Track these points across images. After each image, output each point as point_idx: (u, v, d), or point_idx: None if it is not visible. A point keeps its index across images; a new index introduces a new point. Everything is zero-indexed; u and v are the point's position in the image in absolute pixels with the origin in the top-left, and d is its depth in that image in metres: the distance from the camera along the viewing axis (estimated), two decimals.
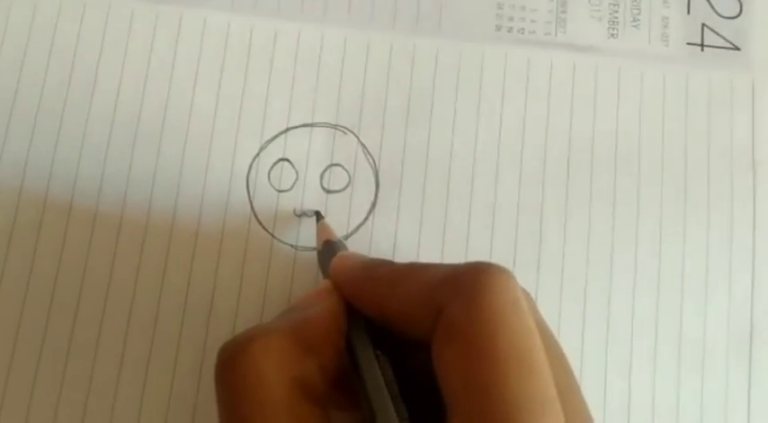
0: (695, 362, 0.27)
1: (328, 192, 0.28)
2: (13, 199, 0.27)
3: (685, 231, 0.29)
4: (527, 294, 0.20)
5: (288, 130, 0.28)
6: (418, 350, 0.19)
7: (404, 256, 0.27)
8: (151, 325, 0.26)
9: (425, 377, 0.19)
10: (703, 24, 0.30)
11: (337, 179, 0.28)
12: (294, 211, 0.27)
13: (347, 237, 0.27)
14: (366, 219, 0.27)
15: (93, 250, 0.27)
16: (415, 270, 0.20)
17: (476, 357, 0.17)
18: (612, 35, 0.30)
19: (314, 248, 0.27)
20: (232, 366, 0.19)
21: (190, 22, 0.29)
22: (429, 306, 0.19)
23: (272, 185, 0.27)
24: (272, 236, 0.27)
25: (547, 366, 0.18)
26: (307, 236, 0.27)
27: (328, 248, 0.25)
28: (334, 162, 0.28)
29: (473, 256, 0.27)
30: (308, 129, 0.28)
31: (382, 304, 0.20)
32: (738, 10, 0.31)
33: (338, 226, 0.27)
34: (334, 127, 0.28)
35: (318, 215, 0.27)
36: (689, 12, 0.30)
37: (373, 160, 0.28)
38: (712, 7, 0.31)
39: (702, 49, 0.30)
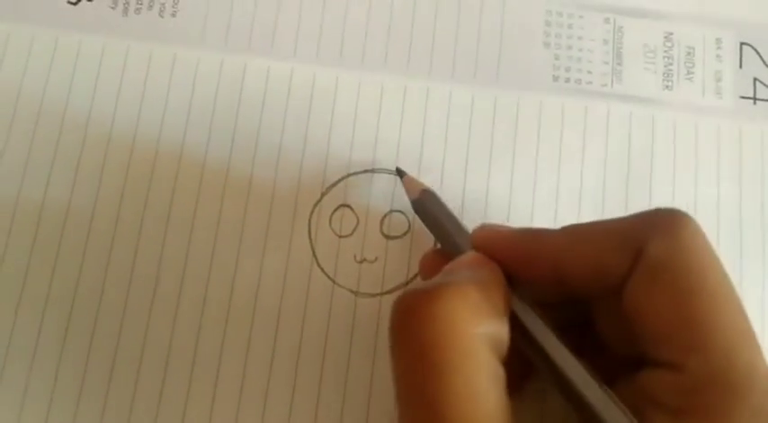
0: None
1: (388, 237, 0.28)
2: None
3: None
4: None
5: (349, 175, 0.28)
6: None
7: None
8: (215, 369, 0.26)
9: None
10: (755, 79, 0.31)
11: (397, 225, 0.28)
12: (355, 256, 0.28)
13: (407, 282, 0.27)
14: None
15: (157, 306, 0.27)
16: (596, 224, 0.21)
17: (688, 292, 0.18)
18: (667, 87, 0.30)
19: (375, 294, 0.27)
20: (421, 314, 0.18)
21: (254, 71, 0.29)
22: (624, 249, 0.19)
23: (333, 231, 0.28)
24: (333, 281, 0.27)
25: (741, 301, 0.19)
26: (367, 282, 0.27)
27: (425, 199, 0.25)
28: (394, 208, 0.28)
29: None
30: (368, 175, 0.29)
31: (561, 263, 0.20)
32: None
33: (398, 271, 0.27)
34: (395, 173, 0.29)
35: (400, 172, 0.28)
36: (741, 66, 0.31)
37: None
38: (764, 62, 0.31)
39: (755, 103, 0.31)
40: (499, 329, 0.19)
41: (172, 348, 0.26)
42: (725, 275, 0.19)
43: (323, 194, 0.28)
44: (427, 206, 0.25)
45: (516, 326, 0.20)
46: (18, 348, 0.26)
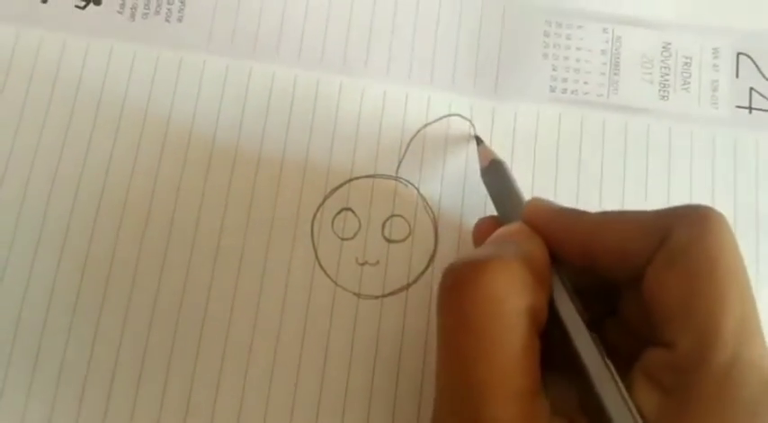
0: None
1: (389, 241, 0.29)
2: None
3: None
4: None
5: (351, 180, 0.29)
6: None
7: None
8: (216, 374, 0.27)
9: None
10: (751, 88, 0.31)
11: (398, 229, 0.29)
12: (356, 259, 0.28)
13: (408, 285, 0.28)
14: (426, 268, 0.28)
15: (161, 297, 0.27)
16: (627, 212, 0.22)
17: (697, 275, 0.19)
18: (663, 97, 0.31)
19: (377, 297, 0.28)
20: (469, 286, 0.19)
21: (259, 76, 0.30)
22: (651, 235, 0.20)
23: (336, 233, 0.28)
24: (336, 283, 0.28)
25: (755, 300, 0.19)
26: (369, 284, 0.28)
27: (494, 168, 0.26)
28: (395, 213, 0.29)
29: None
30: (370, 179, 0.29)
31: (591, 244, 0.21)
32: None
33: (399, 274, 0.28)
34: (396, 179, 0.29)
35: (479, 140, 0.29)
36: (737, 76, 0.32)
37: (432, 212, 0.29)
38: (760, 71, 0.32)
39: (750, 112, 0.31)
40: (541, 302, 0.20)
41: (174, 350, 0.27)
42: (739, 267, 0.19)
43: (326, 198, 0.29)
44: (494, 175, 0.27)
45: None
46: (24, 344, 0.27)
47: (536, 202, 0.23)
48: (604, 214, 0.22)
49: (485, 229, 0.25)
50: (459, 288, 0.19)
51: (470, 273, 0.19)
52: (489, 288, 0.19)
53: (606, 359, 0.20)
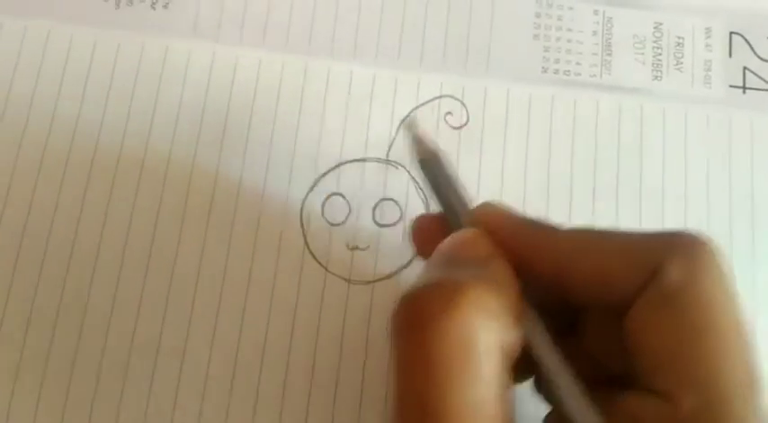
0: None
1: (380, 226, 0.28)
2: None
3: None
4: None
5: (341, 164, 0.29)
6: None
7: None
8: (206, 364, 0.26)
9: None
10: (745, 67, 0.31)
11: (389, 213, 0.28)
12: (347, 244, 0.28)
13: (398, 271, 0.28)
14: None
15: (148, 285, 0.27)
16: (610, 235, 0.19)
17: (697, 327, 0.17)
18: (656, 77, 0.31)
19: (368, 282, 0.27)
20: (435, 322, 0.16)
21: (246, 62, 0.30)
22: (639, 267, 0.18)
23: (326, 219, 0.28)
24: (326, 269, 0.27)
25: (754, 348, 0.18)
26: (359, 269, 0.27)
27: (433, 160, 0.23)
28: (386, 196, 0.28)
29: None
30: (360, 163, 0.29)
31: (566, 268, 0.19)
32: None
33: (390, 260, 0.27)
34: (386, 162, 0.29)
35: (414, 125, 0.24)
36: (731, 55, 0.31)
37: (425, 195, 0.28)
38: (753, 51, 0.31)
39: (744, 92, 0.31)
40: (514, 336, 0.18)
41: (162, 335, 0.26)
42: (739, 313, 0.18)
43: (315, 182, 0.28)
44: (433, 168, 0.23)
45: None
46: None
47: (490, 206, 0.21)
48: (582, 234, 0.19)
49: (427, 229, 0.22)
50: (422, 324, 0.16)
51: (436, 306, 0.17)
52: (458, 326, 0.16)
53: (597, 415, 0.18)
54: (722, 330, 0.17)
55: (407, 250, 0.28)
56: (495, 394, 0.16)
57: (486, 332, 0.17)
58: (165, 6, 0.30)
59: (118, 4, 0.30)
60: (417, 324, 0.17)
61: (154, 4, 0.30)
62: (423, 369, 0.16)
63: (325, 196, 0.28)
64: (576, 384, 0.18)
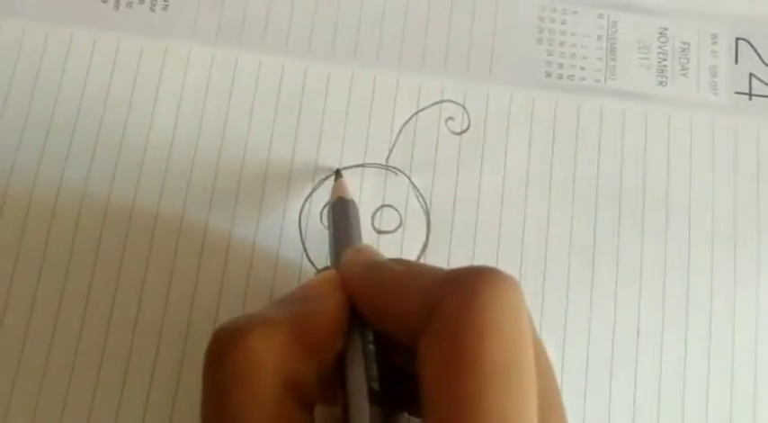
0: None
1: (379, 232, 0.28)
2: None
3: (735, 288, 0.28)
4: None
5: (340, 170, 0.28)
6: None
7: None
8: None
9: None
10: (751, 74, 0.31)
11: (389, 220, 0.28)
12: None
13: None
14: (418, 260, 0.27)
15: (147, 289, 0.27)
16: (417, 271, 0.19)
17: (459, 360, 0.16)
18: (661, 83, 0.30)
19: None
20: (226, 355, 0.18)
21: (245, 65, 0.29)
22: (427, 305, 0.17)
23: (324, 226, 0.28)
24: None
25: (533, 383, 0.16)
26: None
27: (340, 205, 0.25)
28: (385, 203, 0.28)
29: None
30: (359, 169, 0.28)
31: (380, 307, 0.19)
32: None
33: None
34: (386, 168, 0.28)
35: (338, 174, 0.27)
36: (737, 61, 0.31)
37: (424, 201, 0.28)
38: (760, 57, 0.31)
39: (750, 99, 0.30)
40: (307, 372, 0.18)
41: (162, 337, 0.26)
42: (516, 349, 0.16)
43: (314, 189, 0.28)
44: (341, 213, 0.25)
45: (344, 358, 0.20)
46: None
47: (354, 251, 0.22)
48: (410, 269, 0.20)
49: None
50: (216, 356, 0.18)
51: (228, 341, 0.18)
52: (245, 357, 0.17)
53: None
54: (486, 368, 0.16)
55: (408, 257, 0.27)
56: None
57: (271, 367, 0.18)
58: (165, 8, 0.30)
59: (117, 6, 0.30)
60: (213, 356, 0.18)
61: (153, 6, 0.30)
62: (210, 399, 0.18)
63: (324, 203, 0.28)
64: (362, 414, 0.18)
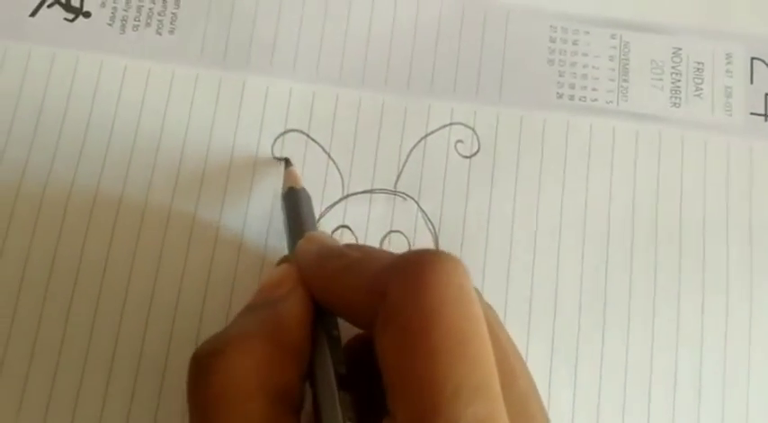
0: None
1: None
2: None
3: (751, 312, 0.28)
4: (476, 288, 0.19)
5: (347, 196, 0.28)
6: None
7: None
8: None
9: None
10: (766, 94, 0.30)
11: (397, 246, 0.28)
12: None
13: None
14: None
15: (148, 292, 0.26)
16: (364, 259, 0.19)
17: (410, 342, 0.16)
18: (675, 104, 0.30)
19: None
20: (206, 376, 0.18)
21: (252, 88, 0.29)
22: (374, 292, 0.18)
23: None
24: None
25: (489, 351, 0.17)
26: None
27: (291, 195, 0.25)
28: (393, 229, 0.28)
29: (536, 328, 0.27)
30: (367, 195, 0.28)
31: (332, 297, 0.19)
32: None
33: None
34: (394, 193, 0.28)
35: (287, 162, 0.27)
36: (752, 82, 0.30)
37: (433, 227, 0.28)
38: None
39: (766, 120, 0.30)
40: (290, 377, 0.18)
41: (168, 362, 0.26)
42: (465, 324, 0.17)
43: (321, 215, 0.28)
44: (292, 203, 0.25)
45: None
46: None
47: (306, 241, 0.22)
48: (357, 257, 0.20)
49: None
50: (200, 379, 0.18)
51: (207, 363, 0.18)
52: (226, 375, 0.18)
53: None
54: (436, 340, 0.16)
55: None
56: None
57: (254, 380, 0.18)
58: (171, 32, 0.30)
59: (123, 29, 0.30)
60: (196, 379, 0.18)
61: (160, 29, 0.30)
62: (195, 418, 0.18)
63: (332, 229, 0.27)
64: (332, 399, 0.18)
